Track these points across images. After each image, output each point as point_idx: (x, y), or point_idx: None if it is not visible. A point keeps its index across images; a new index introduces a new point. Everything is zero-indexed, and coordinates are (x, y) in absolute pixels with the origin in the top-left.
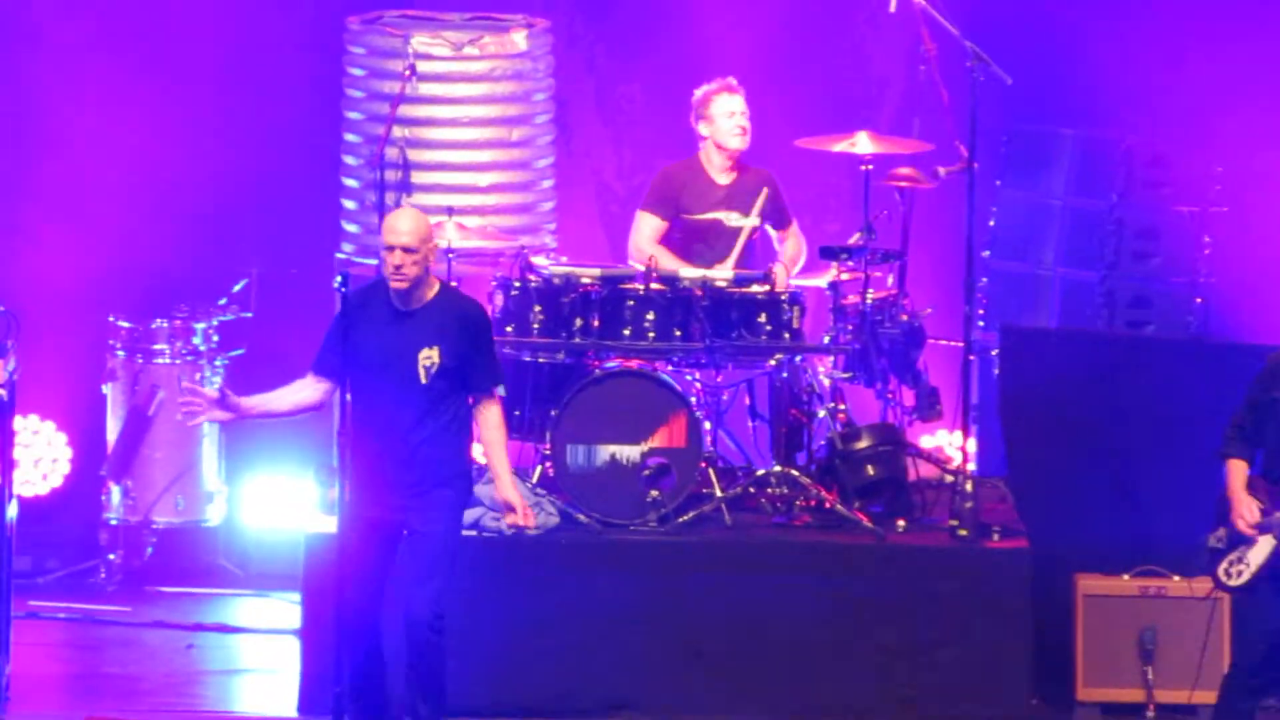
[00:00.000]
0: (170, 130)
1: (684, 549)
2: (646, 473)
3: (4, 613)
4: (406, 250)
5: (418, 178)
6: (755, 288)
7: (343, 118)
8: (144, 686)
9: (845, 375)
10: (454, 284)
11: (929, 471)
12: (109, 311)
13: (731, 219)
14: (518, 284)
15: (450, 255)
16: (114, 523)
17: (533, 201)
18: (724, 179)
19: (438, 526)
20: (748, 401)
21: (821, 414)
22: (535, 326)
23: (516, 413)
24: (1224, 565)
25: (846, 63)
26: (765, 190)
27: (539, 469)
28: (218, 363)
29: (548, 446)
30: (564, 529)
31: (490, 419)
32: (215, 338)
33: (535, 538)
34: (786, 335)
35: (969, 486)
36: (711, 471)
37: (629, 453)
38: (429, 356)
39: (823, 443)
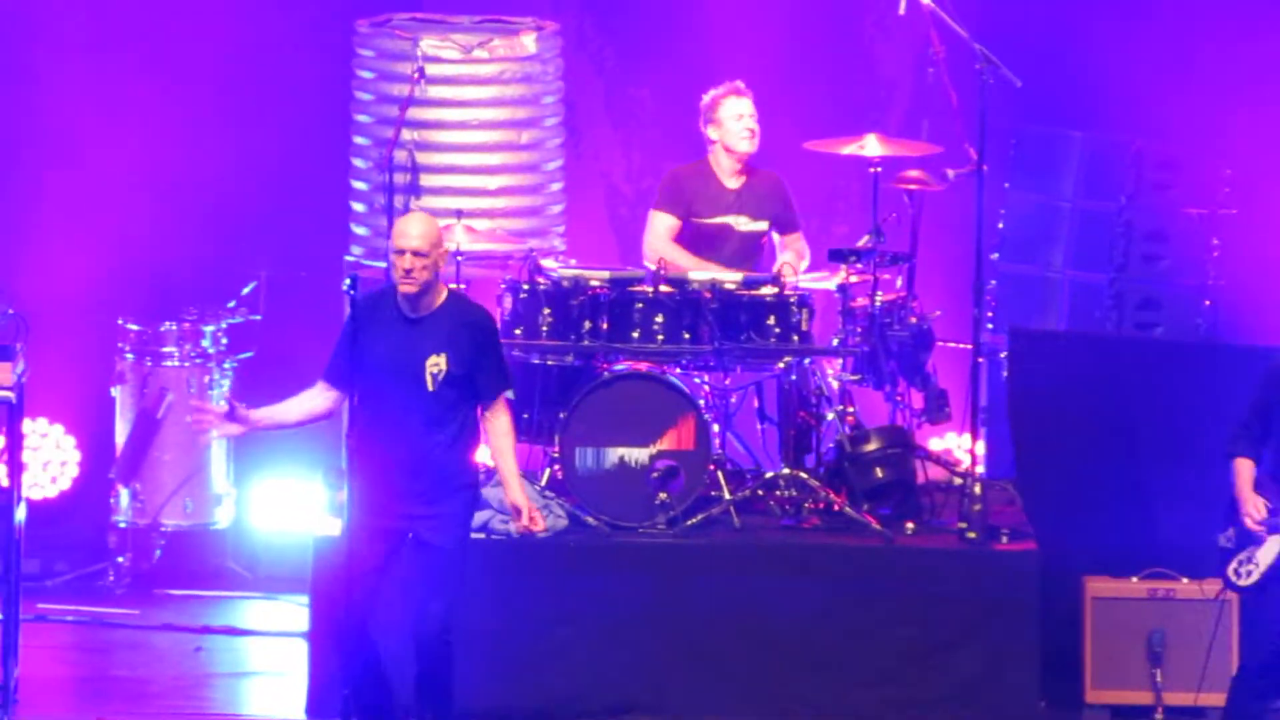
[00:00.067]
0: (179, 133)
1: (692, 551)
2: (655, 475)
3: (12, 616)
4: (416, 254)
5: (427, 180)
6: (764, 290)
7: (351, 120)
8: (152, 689)
9: (854, 378)
10: (463, 286)
11: (938, 474)
12: (118, 314)
13: (741, 223)
14: (526, 286)
15: (459, 258)
16: (123, 525)
17: (542, 204)
18: (734, 183)
19: (446, 538)
20: (756, 404)
21: (830, 416)
22: (544, 329)
23: (525, 415)
24: (1233, 565)
25: (855, 65)
26: (779, 197)
27: (548, 471)
28: (226, 365)
29: (556, 449)
30: (573, 531)
31: (499, 425)
32: (224, 340)
33: (544, 540)
34: (795, 338)
35: (978, 489)
36: (720, 474)
37: (637, 455)
38: (436, 364)
39: (831, 445)
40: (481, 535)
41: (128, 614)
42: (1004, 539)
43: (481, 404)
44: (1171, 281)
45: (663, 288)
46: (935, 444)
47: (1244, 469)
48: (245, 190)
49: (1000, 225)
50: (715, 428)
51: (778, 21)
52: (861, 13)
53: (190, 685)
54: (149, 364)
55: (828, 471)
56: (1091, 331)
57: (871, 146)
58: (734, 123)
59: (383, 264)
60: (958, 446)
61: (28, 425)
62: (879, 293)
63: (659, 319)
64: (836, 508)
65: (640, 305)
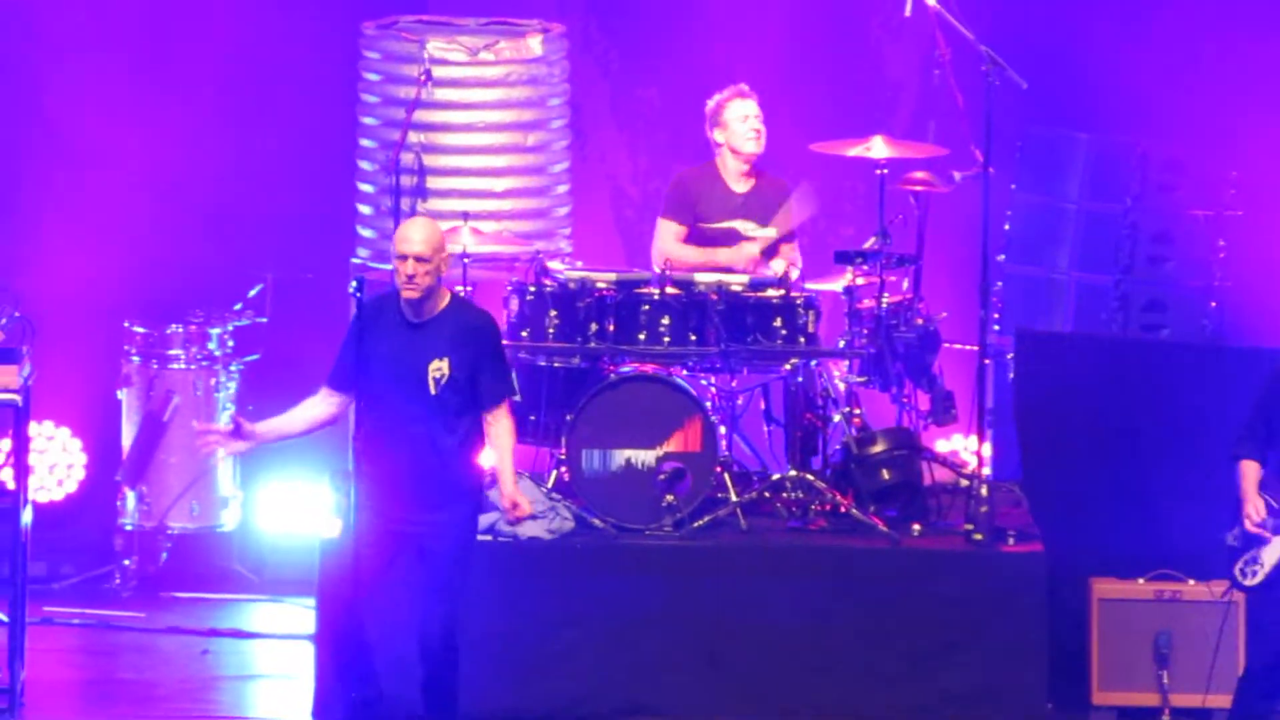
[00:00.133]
0: (185, 135)
1: (699, 553)
2: (662, 477)
3: (19, 618)
4: (419, 259)
5: (433, 183)
6: (770, 292)
7: (358, 123)
8: (159, 692)
9: (860, 379)
10: (469, 288)
11: (944, 476)
12: (124, 317)
13: (748, 228)
14: (533, 289)
15: (465, 260)
16: (129, 528)
17: (548, 206)
18: (741, 187)
19: (451, 542)
20: (763, 406)
21: (837, 418)
22: (550, 331)
23: (532, 417)
24: (1239, 565)
25: (861, 67)
26: (785, 202)
27: (554, 473)
28: (233, 368)
29: (563, 451)
30: (579, 534)
31: (500, 428)
32: (230, 343)
33: (550, 542)
34: (802, 340)
35: (984, 491)
36: (727, 476)
37: (644, 457)
38: (439, 368)
39: (838, 447)
40: (488, 538)
41: (134, 617)
42: (1010, 540)
43: (484, 408)
44: (1177, 283)
45: (669, 289)
46: (941, 446)
47: (1249, 470)
48: (251, 193)
49: (1006, 227)
50: (722, 430)
51: (783, 23)
52: (867, 15)
53: (197, 688)
54: (155, 367)
55: (834, 473)
56: (1097, 333)
57: (878, 148)
58: (739, 124)
59: (389, 266)
60: (964, 448)
61: (34, 428)
62: (885, 294)
63: (665, 321)
64: (843, 509)
65: (647, 307)
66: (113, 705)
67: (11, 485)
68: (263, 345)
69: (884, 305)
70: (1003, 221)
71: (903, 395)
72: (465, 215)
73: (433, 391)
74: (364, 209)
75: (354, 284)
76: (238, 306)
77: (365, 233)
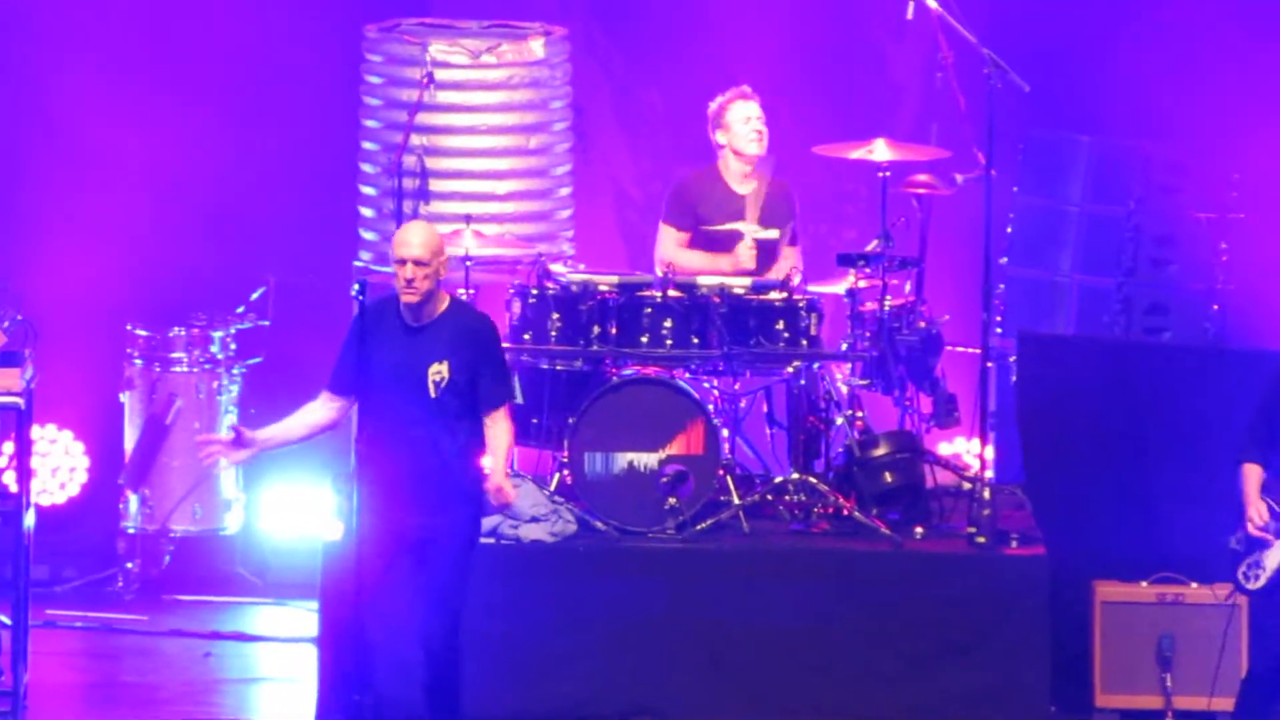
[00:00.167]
0: (187, 138)
1: (702, 556)
2: (664, 480)
3: (22, 621)
4: (418, 263)
5: (435, 186)
6: (773, 295)
7: (360, 126)
8: (162, 695)
9: (863, 382)
10: (472, 291)
11: (947, 478)
12: (126, 320)
13: (750, 229)
14: (535, 291)
15: (468, 263)
16: (131, 531)
17: (550, 209)
18: (743, 188)
19: (452, 545)
20: (765, 409)
21: (839, 421)
22: (553, 334)
23: (534, 420)
24: (1242, 569)
25: (864, 70)
26: (788, 202)
27: (556, 476)
28: (235, 371)
29: (565, 454)
30: (581, 536)
31: (498, 430)
32: (233, 346)
33: (553, 545)
34: (804, 342)
35: (987, 493)
36: (729, 479)
37: (647, 460)
38: (438, 371)
39: (840, 450)
40: (491, 540)
41: (137, 620)
42: (1013, 543)
43: (482, 411)
44: (1180, 286)
45: (671, 292)
46: (944, 448)
47: (1252, 474)
48: (254, 195)
49: (1009, 229)
50: (724, 432)
51: (786, 26)
52: (870, 18)
53: (199, 691)
54: (158, 370)
55: (837, 476)
56: (1100, 336)
57: (880, 151)
58: (741, 126)
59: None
60: (966, 451)
61: (37, 431)
62: (888, 297)
63: (668, 324)
64: (845, 512)
65: (649, 310)
66: (115, 708)
67: (14, 488)
68: (265, 348)
69: (886, 308)
70: (1005, 224)
71: (905, 398)
72: (468, 218)
73: (433, 395)
74: (366, 212)
75: (356, 287)
76: (240, 309)
77: (367, 235)
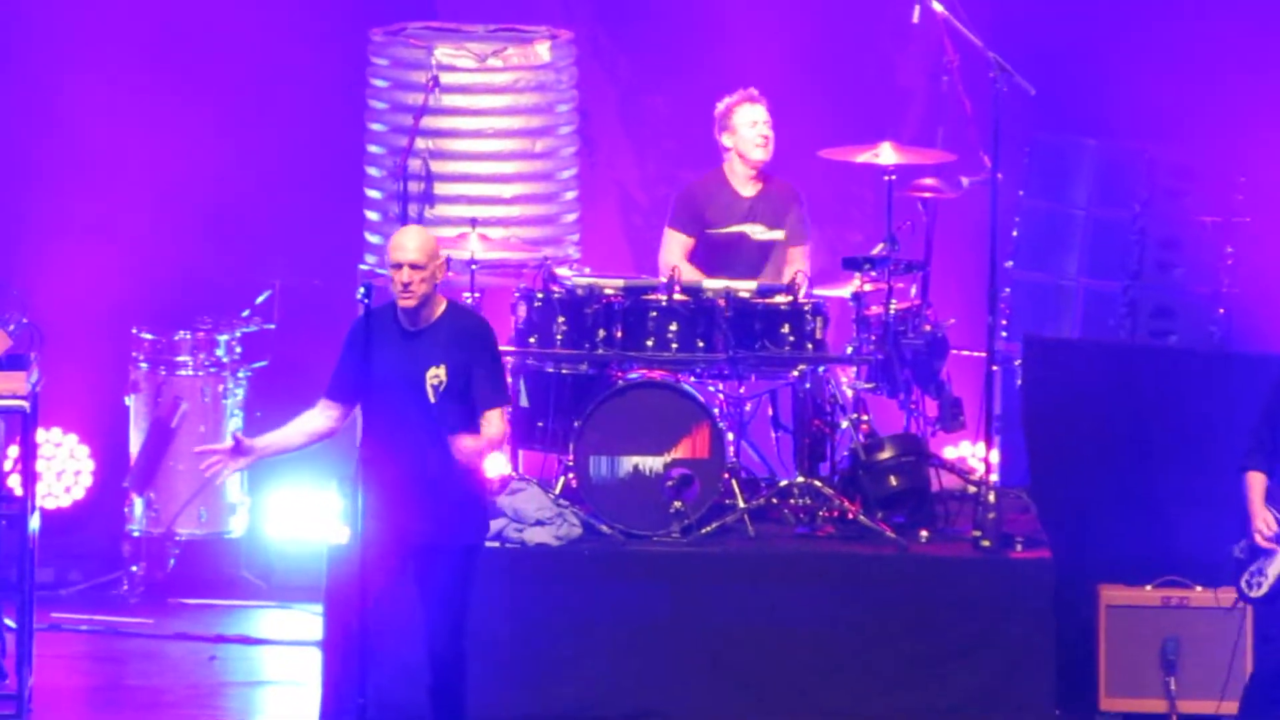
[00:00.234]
0: (192, 141)
1: (707, 560)
2: (669, 484)
3: (27, 625)
4: (414, 267)
5: (441, 189)
6: (778, 298)
7: (366, 129)
8: (166, 699)
9: (868, 386)
10: (477, 294)
11: (952, 482)
12: (131, 323)
13: (757, 232)
14: (541, 295)
15: (473, 266)
16: (136, 535)
17: (556, 213)
18: (748, 191)
19: (455, 549)
20: (771, 412)
21: (844, 425)
22: (558, 338)
23: (540, 424)
24: (1245, 577)
25: (870, 73)
26: (795, 208)
27: (562, 480)
28: (240, 374)
29: (571, 458)
30: (587, 540)
31: (492, 428)
32: (238, 349)
33: (558, 549)
34: (809, 346)
35: (992, 497)
36: (734, 482)
37: (652, 464)
38: (436, 375)
39: (845, 453)
40: (496, 544)
41: (142, 623)
42: (1018, 547)
43: (476, 413)
44: (1185, 289)
45: (677, 296)
46: (949, 452)
47: (1256, 483)
48: (259, 199)
49: (1014, 233)
50: (730, 436)
51: (792, 30)
52: (876, 21)
53: (204, 695)
54: (163, 373)
55: (842, 480)
56: (1105, 339)
57: (886, 154)
58: (748, 129)
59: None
60: (972, 454)
61: (42, 435)
62: (893, 300)
63: (673, 327)
64: (851, 516)
65: (655, 313)
66: (120, 711)
67: (19, 492)
68: (271, 352)
69: (892, 311)
70: (1011, 228)
71: (910, 402)
72: (473, 221)
73: (432, 400)
74: (372, 215)
75: (362, 290)
76: (245, 313)
77: (373, 239)
